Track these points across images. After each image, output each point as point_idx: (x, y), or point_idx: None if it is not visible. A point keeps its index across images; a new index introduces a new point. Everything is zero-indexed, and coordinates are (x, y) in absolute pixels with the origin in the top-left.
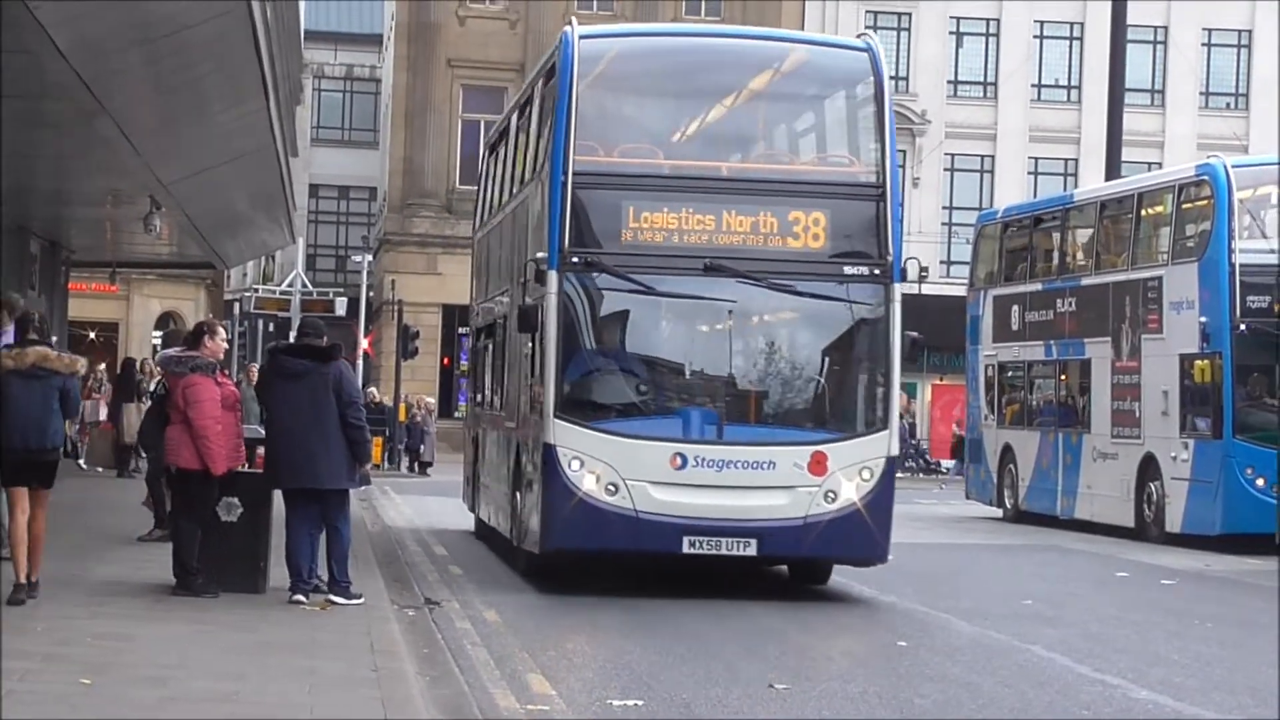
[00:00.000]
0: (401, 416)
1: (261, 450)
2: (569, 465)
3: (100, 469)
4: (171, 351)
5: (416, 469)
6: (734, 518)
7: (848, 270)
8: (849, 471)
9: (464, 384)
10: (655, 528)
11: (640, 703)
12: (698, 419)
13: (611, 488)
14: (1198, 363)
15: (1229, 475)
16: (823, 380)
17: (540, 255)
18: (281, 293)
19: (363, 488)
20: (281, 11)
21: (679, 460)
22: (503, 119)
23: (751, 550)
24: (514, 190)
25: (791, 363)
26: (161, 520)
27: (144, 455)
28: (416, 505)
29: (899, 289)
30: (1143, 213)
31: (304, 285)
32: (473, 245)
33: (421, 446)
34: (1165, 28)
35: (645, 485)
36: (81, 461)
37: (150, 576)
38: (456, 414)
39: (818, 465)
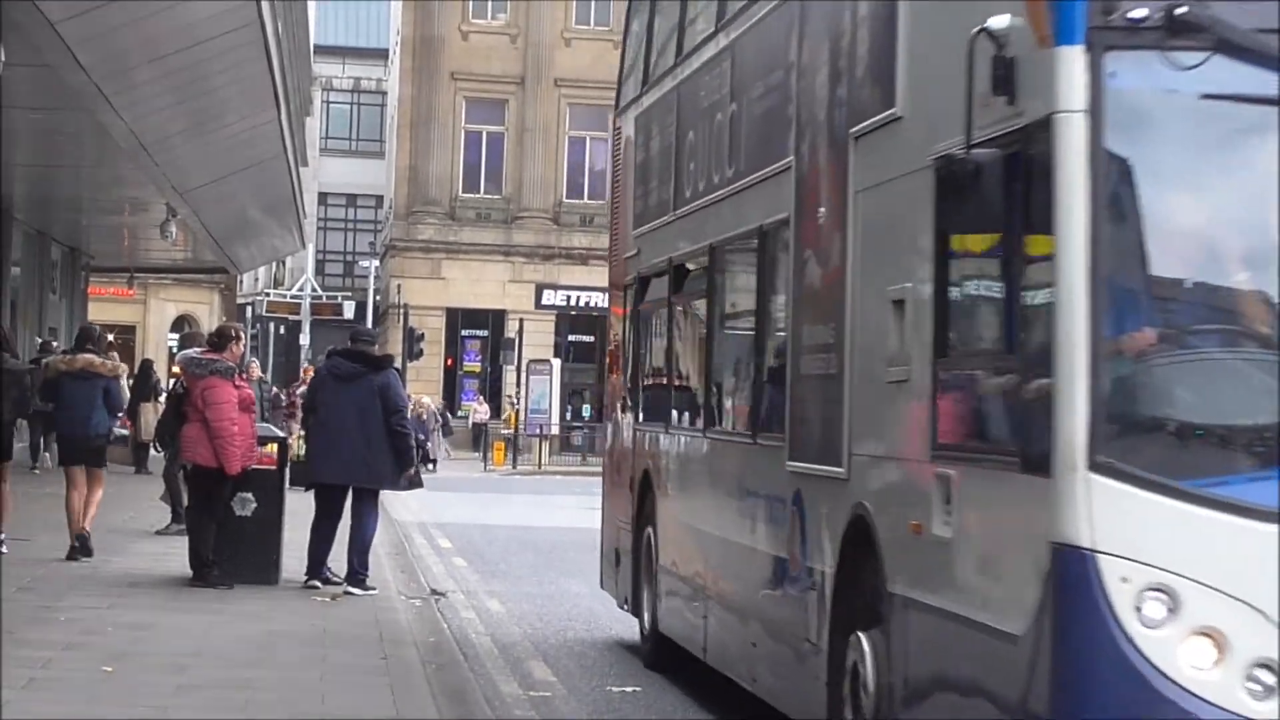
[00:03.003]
0: None
1: (267, 447)
2: (1133, 606)
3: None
4: (193, 353)
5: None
6: None
7: None
8: None
9: (467, 384)
10: None
11: (638, 689)
12: None
13: (1258, 680)
14: None
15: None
16: None
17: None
18: (292, 297)
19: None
20: (292, 27)
21: None
22: None
23: None
24: None
25: None
26: (178, 515)
27: (161, 451)
28: (422, 500)
29: None
30: None
31: (314, 290)
32: (620, 145)
33: (429, 445)
34: None
35: None
36: None
37: (168, 569)
38: (460, 413)
39: None
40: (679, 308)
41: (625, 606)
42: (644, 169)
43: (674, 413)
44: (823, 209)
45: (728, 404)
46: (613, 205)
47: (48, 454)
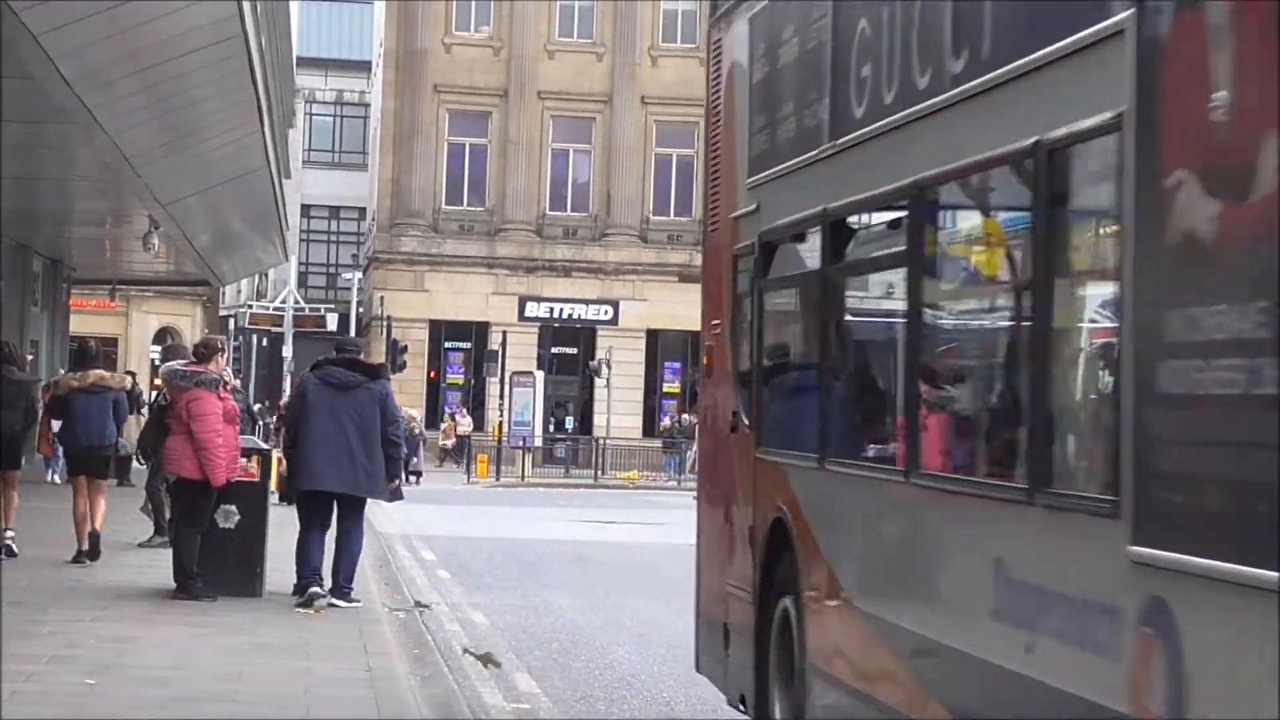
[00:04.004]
0: None
1: (251, 459)
2: None
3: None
4: (177, 365)
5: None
6: None
7: None
8: None
9: (450, 396)
10: None
11: (623, 701)
12: None
13: None
14: None
15: None
16: None
17: None
18: (274, 309)
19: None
20: (276, 39)
21: None
22: None
23: None
24: None
25: None
26: (161, 527)
27: (144, 464)
28: (406, 512)
29: None
30: None
31: (296, 302)
32: (720, 66)
33: (414, 458)
34: None
35: None
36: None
37: (151, 581)
38: (442, 424)
39: None
40: (841, 282)
41: (741, 708)
42: (768, 90)
43: (836, 439)
44: (1222, 92)
45: (959, 434)
46: (710, 151)
47: (55, 475)
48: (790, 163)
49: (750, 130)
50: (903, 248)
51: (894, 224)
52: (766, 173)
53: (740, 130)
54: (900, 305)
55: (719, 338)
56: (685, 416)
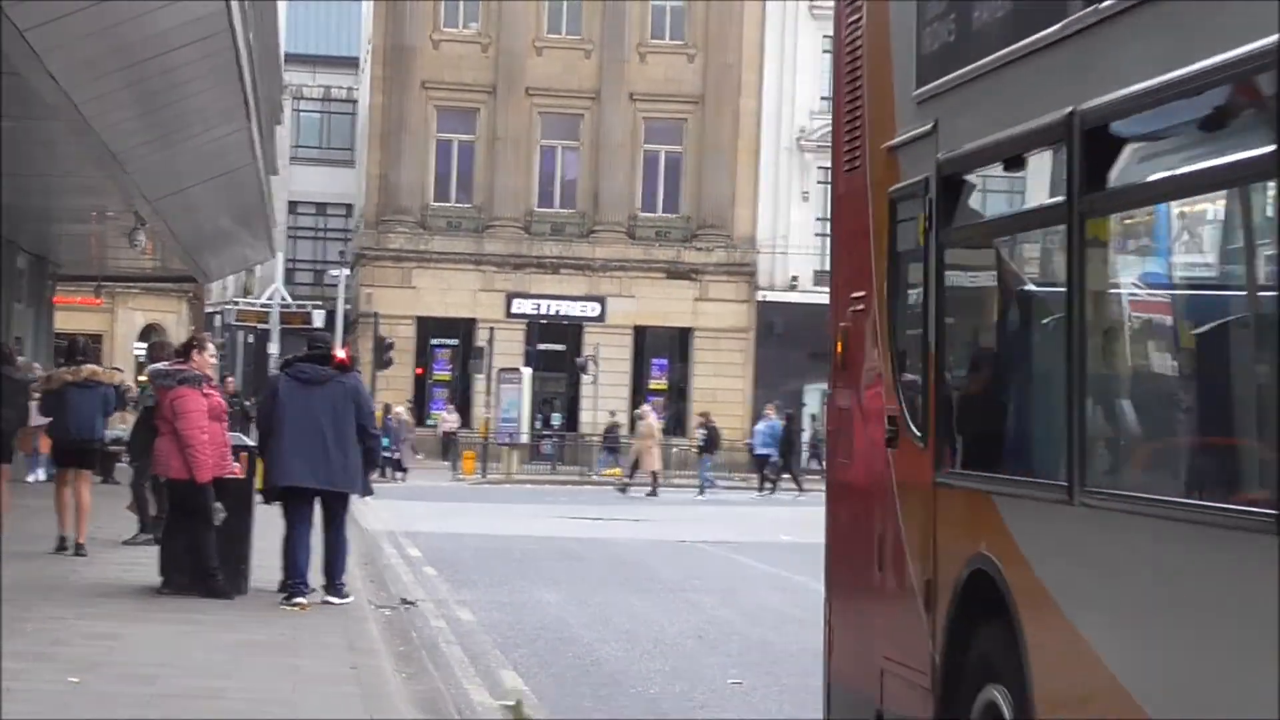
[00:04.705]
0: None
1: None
2: None
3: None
4: (161, 365)
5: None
6: None
7: None
8: None
9: (437, 393)
10: None
11: (609, 698)
12: None
13: None
14: None
15: None
16: None
17: None
18: (261, 306)
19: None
20: (263, 36)
21: None
22: None
23: None
24: None
25: None
26: (145, 525)
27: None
28: (392, 509)
29: None
30: None
31: (283, 298)
32: None
33: (400, 454)
34: None
35: None
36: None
37: (136, 578)
38: (429, 421)
39: None
40: (1107, 222)
41: None
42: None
43: (1108, 457)
44: None
45: None
46: (846, 61)
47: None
48: (1000, 53)
49: (920, 20)
50: (1247, 157)
51: (1215, 121)
52: (952, 75)
53: (899, 21)
54: (1238, 251)
55: (862, 316)
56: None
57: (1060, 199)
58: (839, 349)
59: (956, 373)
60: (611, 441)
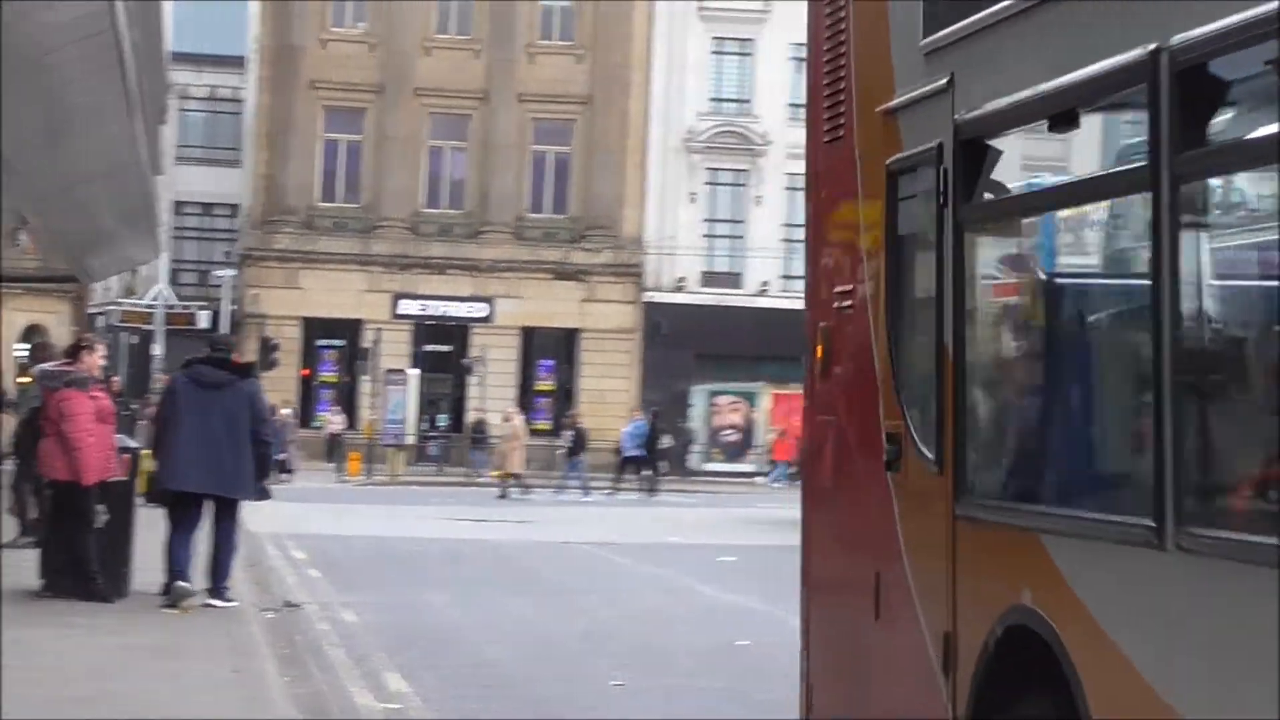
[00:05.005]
0: None
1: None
2: None
3: None
4: (48, 366)
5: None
6: None
7: None
8: None
9: (323, 395)
10: None
11: (495, 700)
12: None
13: None
14: None
15: None
16: None
17: None
18: (146, 307)
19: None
20: (148, 34)
21: None
22: None
23: None
24: None
25: None
26: (25, 527)
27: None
28: (276, 510)
29: None
30: None
31: (167, 299)
32: None
33: (284, 455)
34: None
35: None
36: None
37: (15, 582)
38: (314, 424)
39: None
40: (1200, 189)
41: None
42: None
43: (1197, 495)
44: None
45: None
46: (823, 26)
47: None
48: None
49: None
50: None
51: None
52: (976, 18)
53: None
54: None
55: (850, 313)
56: (507, 412)
57: (1138, 162)
58: (819, 353)
59: (982, 381)
60: (479, 438)
